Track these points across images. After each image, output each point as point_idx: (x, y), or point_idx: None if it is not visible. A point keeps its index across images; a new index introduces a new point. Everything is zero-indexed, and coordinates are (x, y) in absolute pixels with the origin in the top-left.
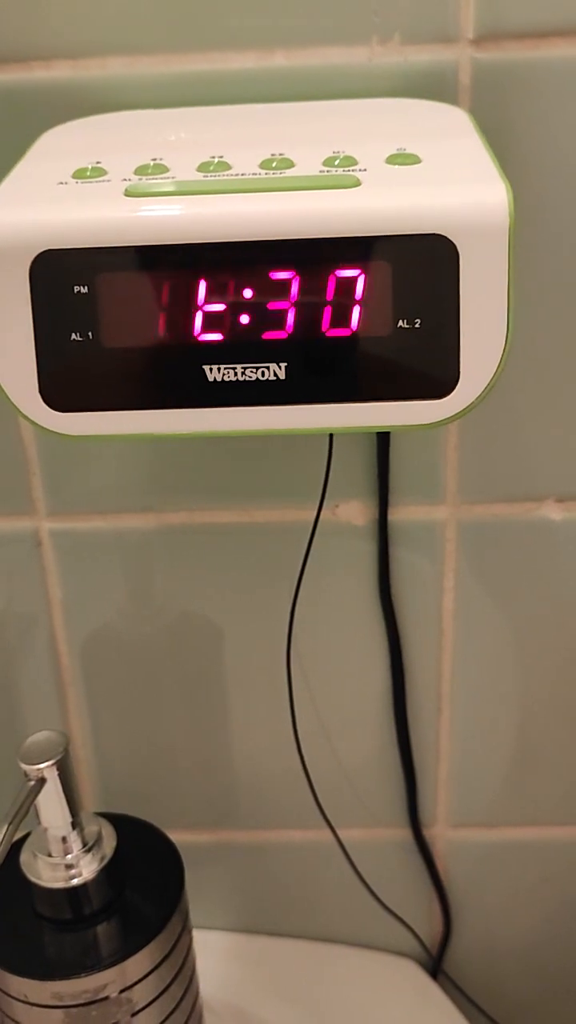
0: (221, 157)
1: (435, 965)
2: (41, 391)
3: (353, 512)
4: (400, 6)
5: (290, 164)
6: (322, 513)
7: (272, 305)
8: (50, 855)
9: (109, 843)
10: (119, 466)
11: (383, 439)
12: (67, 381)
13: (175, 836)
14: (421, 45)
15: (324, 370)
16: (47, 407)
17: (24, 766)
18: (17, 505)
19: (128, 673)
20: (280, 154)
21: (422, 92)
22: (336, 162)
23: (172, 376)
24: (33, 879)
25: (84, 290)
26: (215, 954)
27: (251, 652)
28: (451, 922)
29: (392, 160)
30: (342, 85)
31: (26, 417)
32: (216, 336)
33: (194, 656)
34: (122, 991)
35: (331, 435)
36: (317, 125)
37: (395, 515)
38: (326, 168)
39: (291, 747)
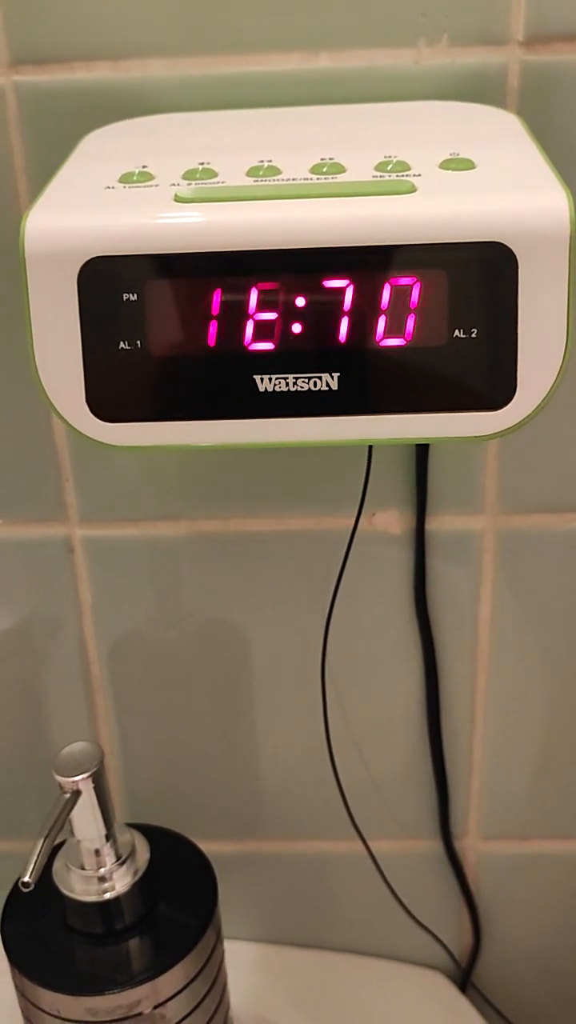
0: (270, 161)
1: (464, 978)
2: (88, 401)
3: (390, 521)
4: (448, 8)
5: (341, 169)
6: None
7: (325, 314)
8: (83, 867)
9: (142, 856)
10: (152, 473)
11: (423, 447)
12: (115, 391)
13: (202, 845)
14: (469, 47)
15: (378, 381)
16: (94, 417)
17: (59, 778)
18: (50, 511)
19: (157, 680)
20: (331, 158)
21: (469, 95)
22: (389, 167)
23: (222, 386)
24: (66, 892)
25: (133, 298)
26: (242, 965)
27: (283, 660)
28: (481, 935)
29: (446, 165)
30: (388, 88)
31: (72, 427)
32: (268, 346)
33: (225, 664)
34: (156, 1007)
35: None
36: (365, 128)
37: (432, 524)
38: (379, 173)
39: (322, 756)
